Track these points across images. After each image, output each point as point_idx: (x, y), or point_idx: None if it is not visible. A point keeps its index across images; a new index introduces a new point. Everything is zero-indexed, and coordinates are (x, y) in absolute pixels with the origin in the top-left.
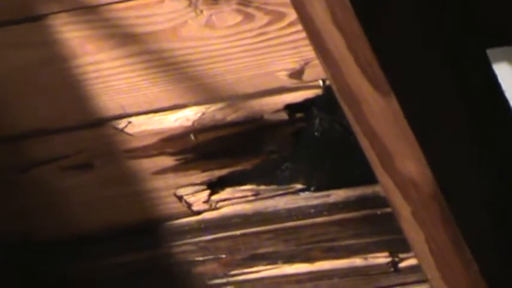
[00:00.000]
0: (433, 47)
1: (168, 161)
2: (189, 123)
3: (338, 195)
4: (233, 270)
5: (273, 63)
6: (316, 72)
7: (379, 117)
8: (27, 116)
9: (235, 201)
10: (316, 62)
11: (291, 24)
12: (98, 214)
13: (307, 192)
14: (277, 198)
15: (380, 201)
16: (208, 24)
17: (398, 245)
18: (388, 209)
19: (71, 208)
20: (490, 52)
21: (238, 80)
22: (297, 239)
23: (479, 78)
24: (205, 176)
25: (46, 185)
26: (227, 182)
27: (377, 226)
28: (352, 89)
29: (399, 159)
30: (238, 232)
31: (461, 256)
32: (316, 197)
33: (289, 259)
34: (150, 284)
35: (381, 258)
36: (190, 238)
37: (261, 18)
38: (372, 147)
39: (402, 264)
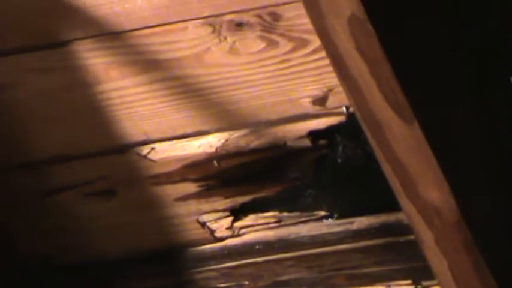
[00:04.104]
0: (457, 74)
1: (191, 187)
2: (212, 150)
3: (361, 222)
4: None
5: (297, 90)
6: (339, 99)
7: (403, 144)
8: (51, 141)
9: (258, 227)
10: (340, 88)
11: (314, 51)
12: (121, 240)
13: (330, 219)
14: (300, 225)
15: (403, 229)
16: (232, 51)
17: (421, 273)
18: (411, 237)
19: (94, 233)
20: None
21: (261, 107)
22: (319, 266)
23: (503, 105)
24: (228, 203)
25: (69, 211)
26: (250, 209)
27: (400, 253)
28: (375, 116)
29: (422, 186)
30: (261, 259)
31: (484, 283)
32: (339, 224)
33: (312, 286)
34: None
35: (404, 286)
36: (213, 264)
37: (285, 45)
38: (395, 174)
39: None
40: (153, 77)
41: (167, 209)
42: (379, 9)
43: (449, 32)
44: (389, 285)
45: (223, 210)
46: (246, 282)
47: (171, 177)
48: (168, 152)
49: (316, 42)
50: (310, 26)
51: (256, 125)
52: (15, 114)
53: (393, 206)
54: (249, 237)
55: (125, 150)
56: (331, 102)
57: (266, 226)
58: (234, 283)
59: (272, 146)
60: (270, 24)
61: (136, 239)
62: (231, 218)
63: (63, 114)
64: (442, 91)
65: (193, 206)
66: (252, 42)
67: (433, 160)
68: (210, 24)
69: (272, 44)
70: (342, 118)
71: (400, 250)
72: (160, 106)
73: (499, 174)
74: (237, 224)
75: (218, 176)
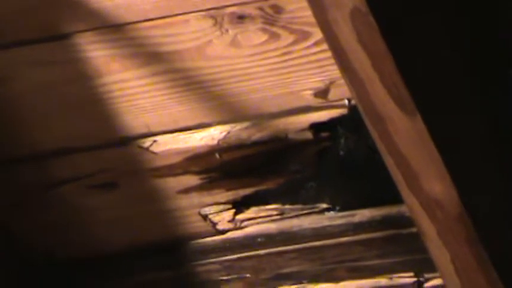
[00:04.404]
0: (458, 67)
1: (193, 179)
2: (214, 142)
3: (363, 215)
4: None
5: (298, 82)
6: (341, 92)
7: (405, 137)
8: (52, 134)
9: (260, 220)
10: (342, 81)
11: (316, 44)
12: (123, 232)
13: (332, 212)
14: (302, 218)
15: (405, 221)
16: (234, 43)
17: (423, 265)
18: (413, 229)
19: (96, 226)
20: None
21: (263, 99)
22: (321, 259)
23: (503, 98)
24: (230, 195)
25: (71, 204)
26: (252, 201)
27: (402, 246)
28: (377, 109)
29: (425, 179)
30: (263, 251)
31: (486, 276)
32: (341, 217)
33: (314, 279)
34: None
35: (406, 278)
36: (215, 257)
37: (287, 38)
38: (397, 167)
39: (427, 284)
40: (155, 69)
41: (169, 202)
42: (381, 2)
43: (450, 27)
44: (391, 278)
45: (225, 203)
46: (248, 275)
47: (173, 170)
48: (170, 145)
49: (318, 34)
50: (312, 19)
51: (258, 118)
52: (16, 107)
53: (395, 198)
54: (251, 229)
55: (127, 142)
56: (333, 94)
57: (268, 219)
58: (236, 275)
59: (274, 138)
60: (271, 16)
61: (138, 231)
62: (233, 211)
63: (65, 107)
64: (444, 84)
65: (195, 198)
66: (254, 35)
67: (435, 153)
68: (212, 17)
69: (274, 36)
70: (343, 111)
71: (402, 243)
72: (162, 99)
73: (501, 167)
74: (239, 216)
75: (220, 168)
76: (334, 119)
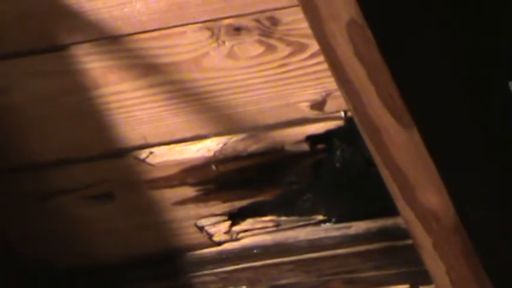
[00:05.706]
0: (456, 79)
1: (189, 191)
2: (211, 154)
3: (359, 226)
4: None
5: (295, 94)
6: (337, 104)
7: (401, 149)
8: (49, 145)
9: (256, 232)
10: (338, 93)
11: (313, 56)
12: (119, 244)
13: (328, 224)
14: (298, 230)
15: (401, 233)
16: (230, 55)
17: (419, 277)
18: (409, 241)
19: (92, 237)
20: None
21: (259, 111)
22: (317, 271)
23: (501, 110)
24: (226, 207)
25: (67, 215)
26: (248, 213)
27: (398, 258)
28: (373, 121)
29: (420, 191)
30: (258, 263)
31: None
32: (337, 229)
33: None
34: None
35: None
36: (211, 269)
37: (283, 50)
38: (393, 179)
39: None
40: (152, 81)
41: (165, 213)
42: (377, 14)
43: (447, 38)
44: None
45: (221, 215)
46: (244, 287)
47: (169, 182)
48: (166, 156)
49: (314, 46)
50: (308, 31)
51: (255, 129)
52: (14, 117)
53: (391, 210)
54: (247, 241)
55: (123, 154)
56: (329, 106)
57: (264, 230)
58: (232, 287)
59: (270, 150)
60: (268, 28)
61: (134, 243)
62: (229, 222)
63: (62, 118)
64: (441, 96)
65: (191, 210)
66: (251, 47)
67: (431, 165)
68: (209, 29)
69: (270, 48)
70: (340, 123)
71: (398, 254)
72: (159, 110)
73: (497, 179)
74: (235, 228)
75: (216, 180)
76: (331, 131)
